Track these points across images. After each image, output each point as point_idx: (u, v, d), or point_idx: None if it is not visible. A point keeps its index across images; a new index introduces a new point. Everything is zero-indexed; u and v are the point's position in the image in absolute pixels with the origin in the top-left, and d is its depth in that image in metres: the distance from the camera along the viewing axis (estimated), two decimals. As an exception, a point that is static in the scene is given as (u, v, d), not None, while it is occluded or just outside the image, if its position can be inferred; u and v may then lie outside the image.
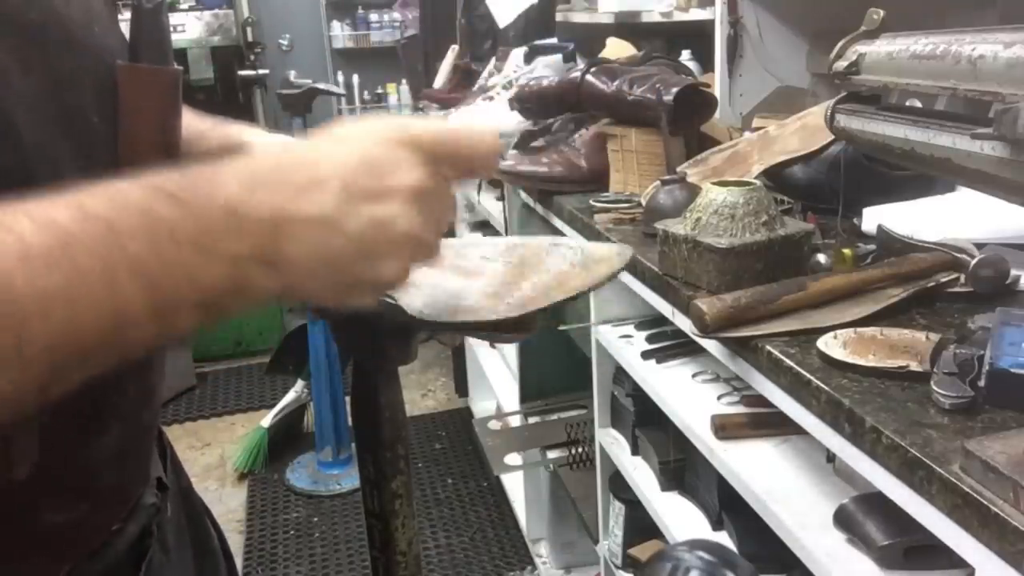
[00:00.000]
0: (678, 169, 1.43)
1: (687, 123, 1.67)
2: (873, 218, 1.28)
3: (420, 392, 3.76)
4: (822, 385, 0.87)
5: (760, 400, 1.09)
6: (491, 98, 2.49)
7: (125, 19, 0.64)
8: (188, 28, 4.14)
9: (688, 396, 1.37)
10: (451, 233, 0.58)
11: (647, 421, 1.57)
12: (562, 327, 1.79)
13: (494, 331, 0.66)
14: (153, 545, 0.69)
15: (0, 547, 0.55)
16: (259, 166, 0.47)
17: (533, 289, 0.65)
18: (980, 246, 1.09)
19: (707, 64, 2.21)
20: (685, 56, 2.35)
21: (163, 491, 0.73)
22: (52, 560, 0.59)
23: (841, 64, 1.02)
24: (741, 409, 1.29)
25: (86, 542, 0.62)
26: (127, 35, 0.64)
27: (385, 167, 0.48)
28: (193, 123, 0.78)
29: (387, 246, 0.48)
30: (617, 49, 2.37)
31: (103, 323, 0.40)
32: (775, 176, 1.48)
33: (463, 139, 0.52)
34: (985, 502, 0.66)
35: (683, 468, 1.49)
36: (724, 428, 1.23)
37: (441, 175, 0.51)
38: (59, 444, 0.57)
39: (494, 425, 2.48)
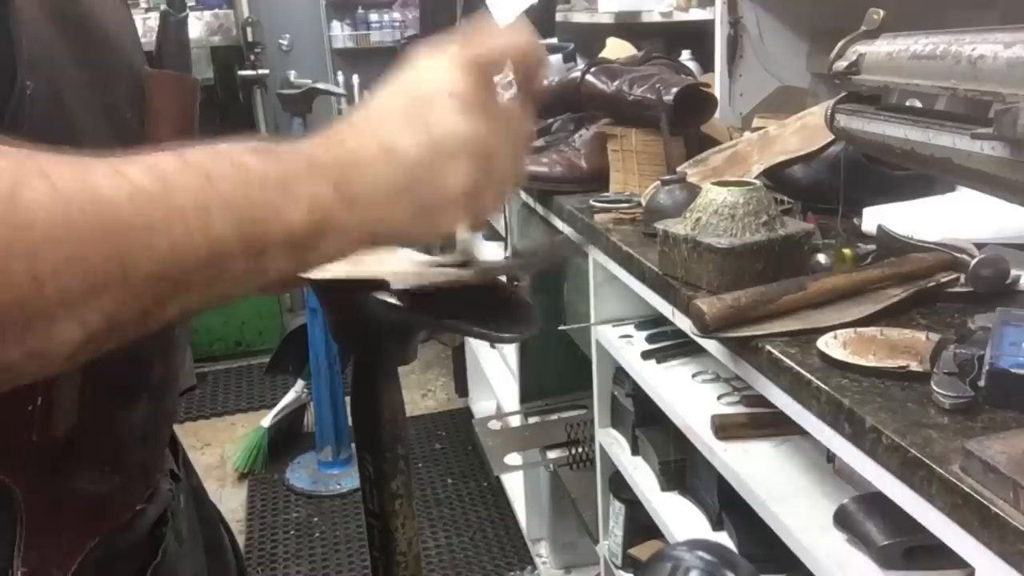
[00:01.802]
0: (678, 169, 1.43)
1: (687, 123, 1.67)
2: (873, 218, 1.28)
3: (420, 392, 3.76)
4: (822, 385, 0.87)
5: (760, 400, 1.09)
6: (491, 98, 2.49)
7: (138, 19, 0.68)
8: (188, 28, 4.14)
9: (688, 396, 1.37)
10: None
11: (647, 421, 1.57)
12: (562, 327, 1.79)
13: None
14: (168, 533, 0.71)
15: (35, 512, 0.58)
16: (333, 130, 0.51)
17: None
18: (980, 246, 1.09)
19: (707, 64, 2.21)
20: (685, 56, 2.35)
21: (176, 482, 0.77)
22: (81, 532, 0.62)
23: (841, 64, 1.02)
24: (741, 409, 1.29)
25: (113, 517, 0.65)
26: (150, 43, 0.69)
27: (422, 83, 0.50)
28: None
29: (445, 157, 0.49)
30: (617, 49, 2.37)
31: (199, 254, 0.44)
32: (775, 176, 1.48)
33: (490, 34, 0.52)
34: (985, 502, 0.66)
35: (683, 468, 1.49)
36: (724, 428, 1.23)
37: (485, 81, 0.51)
38: (96, 409, 0.60)
39: (494, 425, 2.48)
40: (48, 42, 0.55)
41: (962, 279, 1.05)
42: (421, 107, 0.49)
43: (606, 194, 1.68)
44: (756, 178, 1.34)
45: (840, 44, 1.03)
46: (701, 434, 1.25)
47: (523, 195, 2.03)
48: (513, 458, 2.22)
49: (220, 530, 0.90)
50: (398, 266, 0.71)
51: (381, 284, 0.66)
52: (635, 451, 1.62)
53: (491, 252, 2.76)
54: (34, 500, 0.58)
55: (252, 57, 4.37)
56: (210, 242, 0.44)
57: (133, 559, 0.68)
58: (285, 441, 3.31)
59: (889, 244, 1.16)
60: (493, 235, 2.74)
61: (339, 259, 0.50)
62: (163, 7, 0.71)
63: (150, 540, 0.69)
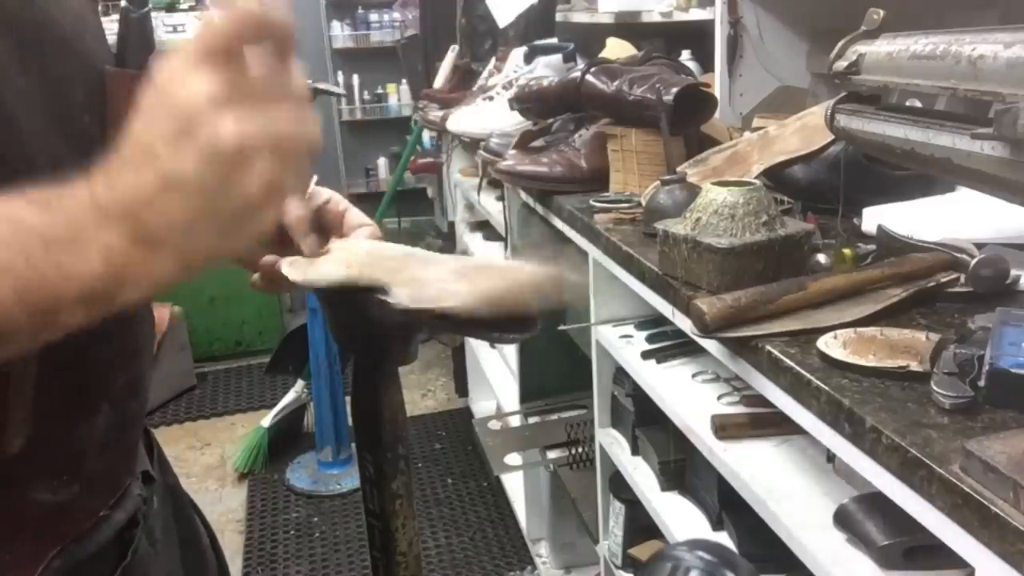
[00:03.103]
0: (678, 169, 1.43)
1: (687, 123, 1.67)
2: (873, 218, 1.28)
3: (420, 392, 3.76)
4: (822, 385, 0.87)
5: (760, 400, 1.09)
6: (491, 98, 2.49)
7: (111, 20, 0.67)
8: (188, 28, 4.14)
9: (688, 396, 1.37)
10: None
11: (647, 421, 1.57)
12: (562, 327, 1.79)
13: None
14: (139, 535, 0.70)
15: None
16: (107, 167, 0.47)
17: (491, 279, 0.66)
18: (980, 246, 1.09)
19: (707, 64, 2.21)
20: (685, 56, 2.35)
21: (149, 484, 0.75)
22: (40, 541, 0.61)
23: (841, 64, 1.02)
24: (741, 409, 1.29)
25: (74, 525, 0.64)
26: (113, 42, 0.67)
27: (171, 97, 0.45)
28: None
29: (228, 163, 0.45)
30: (617, 49, 2.37)
31: None
32: (775, 176, 1.48)
33: (210, 18, 0.47)
34: (985, 502, 0.66)
35: (683, 468, 1.49)
36: (724, 428, 1.23)
37: (228, 63, 0.46)
38: (51, 422, 0.59)
39: (494, 425, 2.48)
40: None
41: (962, 279, 1.05)
42: (181, 122, 0.45)
43: (606, 194, 1.68)
44: (756, 178, 1.34)
45: (840, 44, 1.03)
46: (701, 434, 1.25)
47: (523, 195, 2.03)
48: (513, 458, 2.22)
49: (197, 526, 0.89)
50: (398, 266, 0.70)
51: (382, 290, 0.65)
52: (635, 451, 1.62)
53: (492, 253, 2.76)
54: None
55: (252, 57, 4.37)
56: None
57: (102, 563, 0.67)
58: (285, 441, 3.31)
59: (889, 244, 1.16)
60: (493, 236, 2.74)
61: (145, 297, 0.48)
62: (123, 3, 0.69)
63: (119, 543, 0.68)
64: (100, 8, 0.70)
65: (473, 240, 2.99)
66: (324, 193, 0.73)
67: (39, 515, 0.61)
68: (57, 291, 0.44)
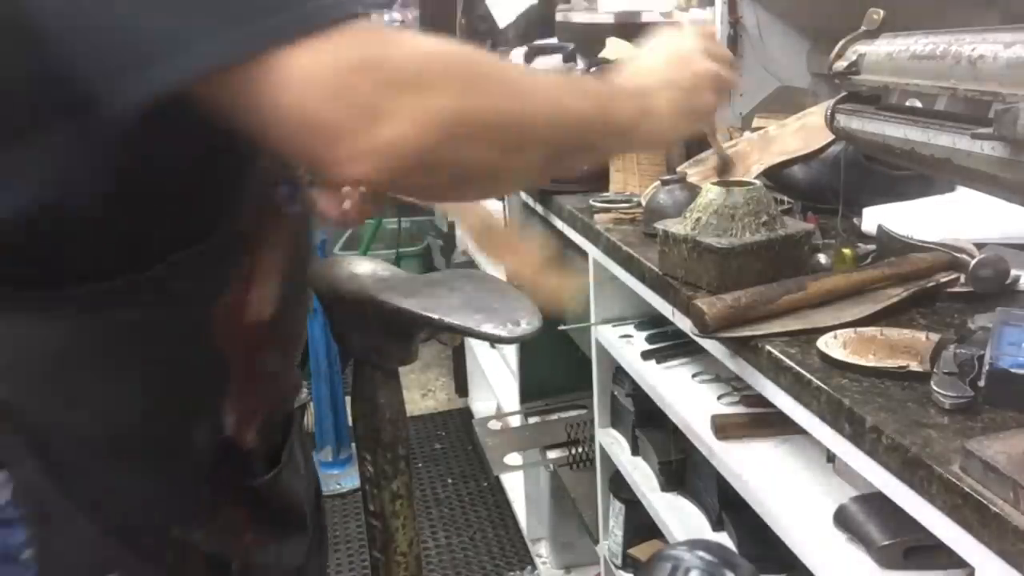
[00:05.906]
0: (678, 169, 1.43)
1: (687, 123, 1.67)
2: (873, 218, 1.28)
3: (420, 392, 3.76)
4: (822, 385, 0.87)
5: (760, 400, 1.09)
6: (491, 98, 2.48)
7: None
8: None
9: (688, 396, 1.37)
10: None
11: (647, 421, 1.57)
12: (562, 327, 1.79)
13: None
14: (291, 438, 0.87)
15: (238, 378, 0.73)
16: (625, 73, 0.84)
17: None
18: (980, 246, 1.09)
19: (707, 64, 2.20)
20: (685, 56, 2.34)
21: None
22: (262, 400, 0.79)
23: (841, 64, 1.02)
24: (741, 409, 1.29)
25: (278, 395, 0.84)
26: None
27: (677, 44, 0.87)
28: None
29: (701, 82, 0.85)
30: (617, 49, 2.36)
31: (572, 125, 0.69)
32: (775, 176, 1.48)
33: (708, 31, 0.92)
34: (985, 502, 0.66)
35: (683, 468, 1.49)
36: (724, 428, 1.23)
37: (712, 44, 0.88)
38: (286, 302, 0.78)
39: (494, 425, 2.48)
40: None
41: (962, 279, 1.05)
42: (682, 57, 0.84)
43: (606, 194, 1.68)
44: (756, 178, 1.34)
45: (840, 44, 1.03)
46: (701, 434, 1.25)
47: (523, 195, 2.03)
48: (513, 458, 2.22)
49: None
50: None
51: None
52: (635, 451, 1.62)
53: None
54: (239, 370, 0.74)
55: (252, 57, 4.36)
56: (581, 116, 0.70)
57: (277, 434, 0.84)
58: (285, 441, 3.30)
59: (889, 244, 1.16)
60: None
61: (646, 141, 0.84)
62: None
63: (283, 428, 0.85)
64: None
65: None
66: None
67: (266, 377, 0.79)
68: (611, 114, 0.74)
